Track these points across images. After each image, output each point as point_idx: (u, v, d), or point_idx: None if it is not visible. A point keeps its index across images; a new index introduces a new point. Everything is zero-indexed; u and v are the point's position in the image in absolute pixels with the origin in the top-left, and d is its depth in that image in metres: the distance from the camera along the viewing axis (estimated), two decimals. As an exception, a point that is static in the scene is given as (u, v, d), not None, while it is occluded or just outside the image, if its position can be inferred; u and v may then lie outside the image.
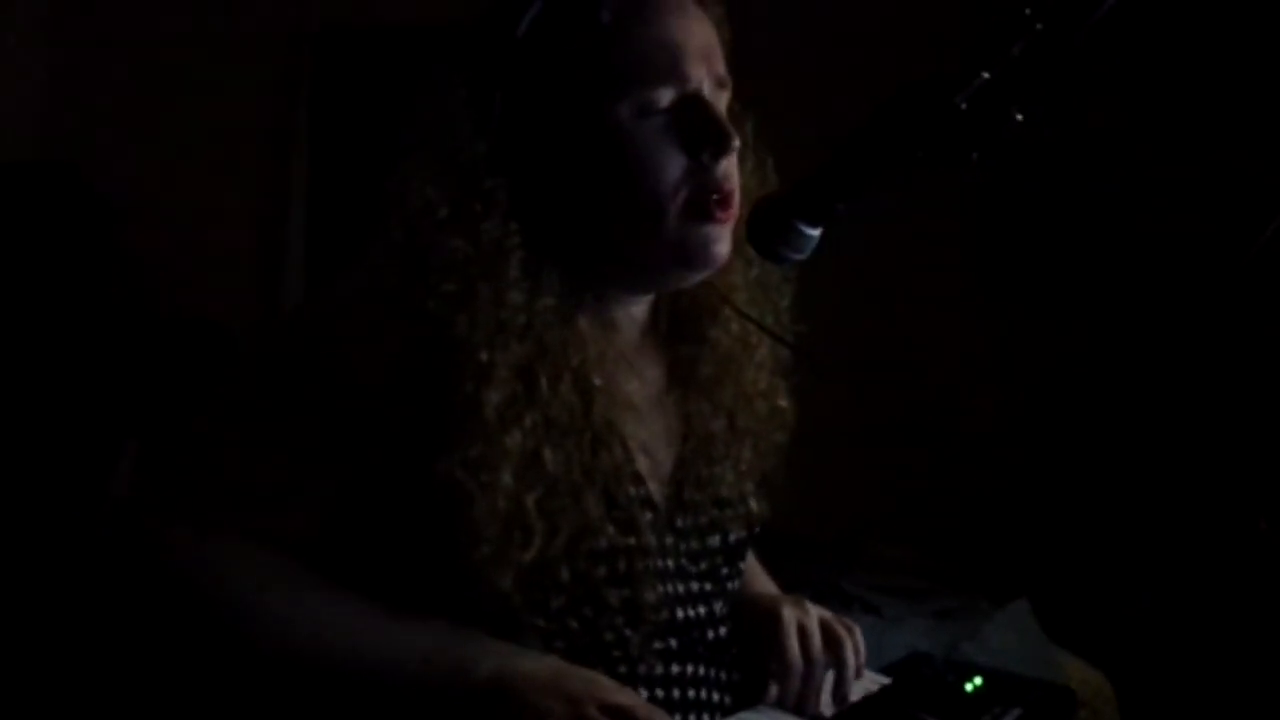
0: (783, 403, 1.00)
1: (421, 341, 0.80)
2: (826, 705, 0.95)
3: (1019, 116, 0.62)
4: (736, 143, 0.83)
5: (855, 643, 0.97)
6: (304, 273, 2.65)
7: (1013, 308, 2.31)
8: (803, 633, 0.96)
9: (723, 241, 0.85)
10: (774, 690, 0.96)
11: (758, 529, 0.99)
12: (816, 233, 0.75)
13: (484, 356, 0.79)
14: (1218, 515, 1.95)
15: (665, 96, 0.82)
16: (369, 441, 0.80)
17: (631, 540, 0.86)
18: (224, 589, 0.79)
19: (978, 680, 1.00)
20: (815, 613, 0.98)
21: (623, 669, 0.86)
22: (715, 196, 0.83)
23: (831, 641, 0.97)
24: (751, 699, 0.95)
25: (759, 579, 1.08)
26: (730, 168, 0.85)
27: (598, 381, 0.86)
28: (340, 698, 0.79)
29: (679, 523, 0.92)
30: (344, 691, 0.79)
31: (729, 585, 0.97)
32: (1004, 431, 2.35)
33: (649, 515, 0.89)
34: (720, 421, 0.96)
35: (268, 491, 0.81)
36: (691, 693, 0.90)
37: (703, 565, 0.94)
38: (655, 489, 0.91)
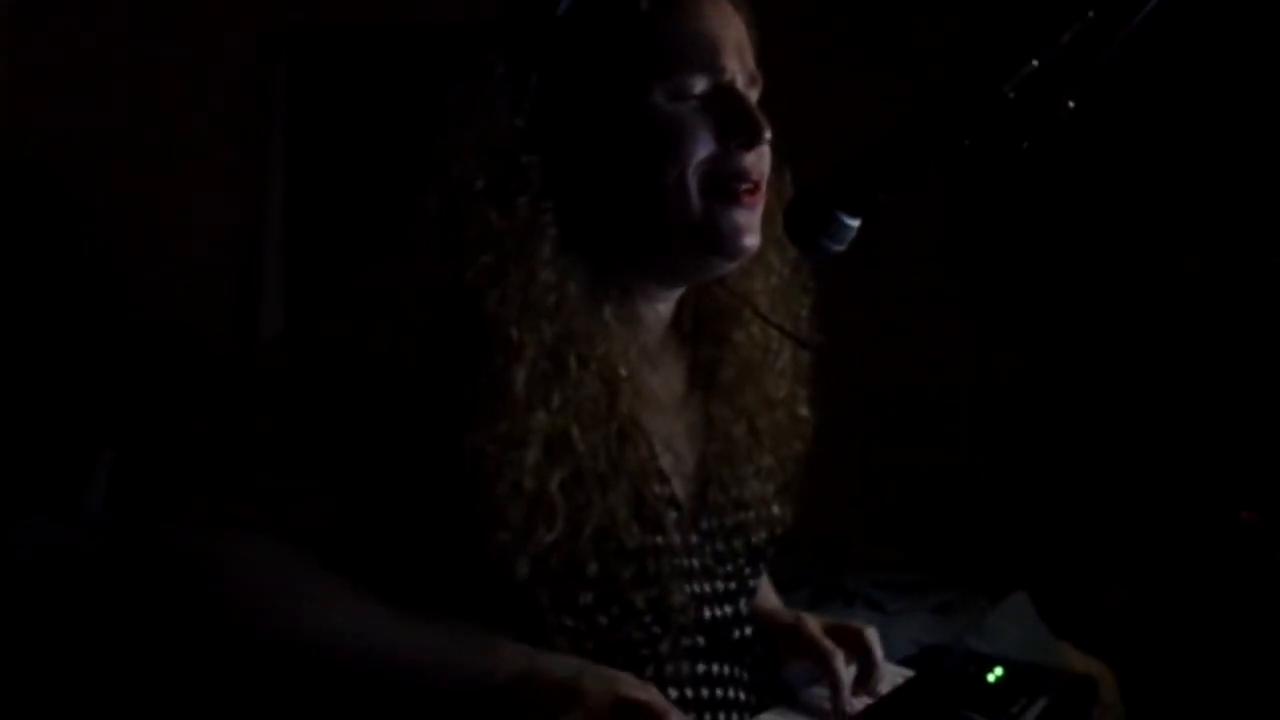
0: (803, 411, 1.01)
1: (454, 318, 0.79)
2: (850, 702, 0.95)
3: (1071, 104, 0.62)
4: (768, 134, 0.84)
5: (875, 635, 0.98)
6: (281, 276, 2.60)
7: (998, 305, 2.34)
8: (828, 632, 0.98)
9: (752, 232, 0.86)
10: (809, 692, 0.95)
11: (779, 532, 0.99)
12: (856, 223, 0.75)
13: (514, 334, 0.79)
14: (1202, 508, 1.98)
15: (700, 84, 0.84)
16: (399, 425, 0.79)
17: (659, 539, 0.85)
18: (243, 585, 0.77)
19: (999, 671, 1.01)
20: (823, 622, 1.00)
21: (650, 669, 0.85)
22: (744, 185, 0.84)
23: (851, 636, 0.97)
24: (772, 703, 0.95)
25: (769, 596, 1.09)
26: (759, 158, 0.85)
27: (623, 372, 0.86)
28: (358, 698, 0.77)
29: (703, 524, 0.92)
30: (362, 692, 0.77)
31: (751, 585, 0.97)
32: (989, 430, 2.38)
33: (674, 514, 0.88)
34: (741, 426, 0.96)
35: (288, 486, 0.79)
36: (719, 692, 0.90)
37: (728, 567, 0.94)
38: (680, 487, 0.91)
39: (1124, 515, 2.11)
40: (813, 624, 1.00)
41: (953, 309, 2.40)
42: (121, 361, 2.46)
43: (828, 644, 0.95)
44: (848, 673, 0.94)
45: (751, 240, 0.86)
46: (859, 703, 0.93)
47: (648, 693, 0.78)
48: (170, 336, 2.52)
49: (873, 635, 0.97)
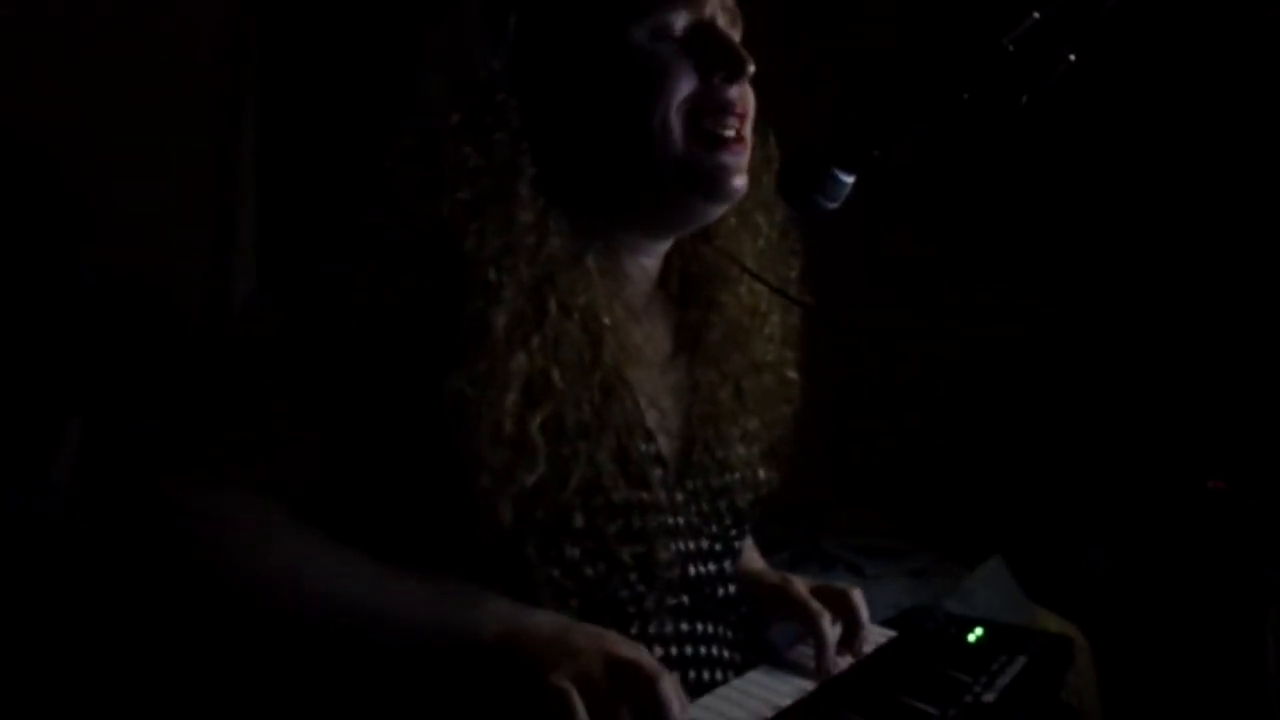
0: (791, 374, 1.01)
1: (435, 259, 0.78)
2: (835, 661, 0.95)
3: (1070, 58, 0.61)
4: (751, 67, 0.84)
5: (860, 597, 0.98)
6: (255, 240, 2.55)
7: (979, 275, 2.36)
8: (814, 593, 0.98)
9: (739, 173, 0.85)
10: (794, 650, 0.96)
11: (764, 495, 0.99)
12: (851, 180, 0.74)
13: (492, 275, 0.78)
14: (1170, 476, 2.02)
15: (680, 21, 0.83)
16: (386, 369, 0.78)
17: (644, 495, 0.85)
18: (232, 543, 0.75)
19: (979, 631, 1.02)
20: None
21: (635, 627, 0.85)
22: (729, 122, 0.83)
23: (836, 598, 0.98)
24: (757, 661, 0.95)
25: (755, 558, 1.09)
26: (744, 93, 0.85)
27: (607, 321, 0.85)
28: (343, 655, 0.76)
29: (689, 483, 0.92)
30: (348, 648, 0.76)
31: (736, 545, 0.98)
32: (967, 397, 2.40)
33: (659, 472, 0.88)
34: (727, 389, 0.96)
35: (276, 440, 0.77)
36: (703, 649, 0.90)
37: (712, 527, 0.94)
38: (665, 444, 0.90)
39: (1097, 483, 2.14)
40: (799, 585, 1.00)
41: (934, 278, 2.41)
42: (90, 328, 2.40)
43: (815, 605, 0.95)
44: (833, 633, 0.95)
45: (739, 181, 0.85)
46: (843, 662, 0.94)
47: (636, 651, 0.77)
48: (141, 303, 2.46)
49: (858, 596, 0.97)
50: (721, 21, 0.86)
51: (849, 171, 0.73)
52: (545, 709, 0.69)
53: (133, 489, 0.76)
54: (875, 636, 0.99)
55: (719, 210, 0.88)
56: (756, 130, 0.89)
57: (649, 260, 0.93)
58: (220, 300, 2.52)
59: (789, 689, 0.86)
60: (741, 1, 0.88)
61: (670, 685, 0.71)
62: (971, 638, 1.01)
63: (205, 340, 0.84)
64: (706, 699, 0.83)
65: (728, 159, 0.84)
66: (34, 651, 1.49)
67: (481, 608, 0.77)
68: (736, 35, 0.87)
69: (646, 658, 0.76)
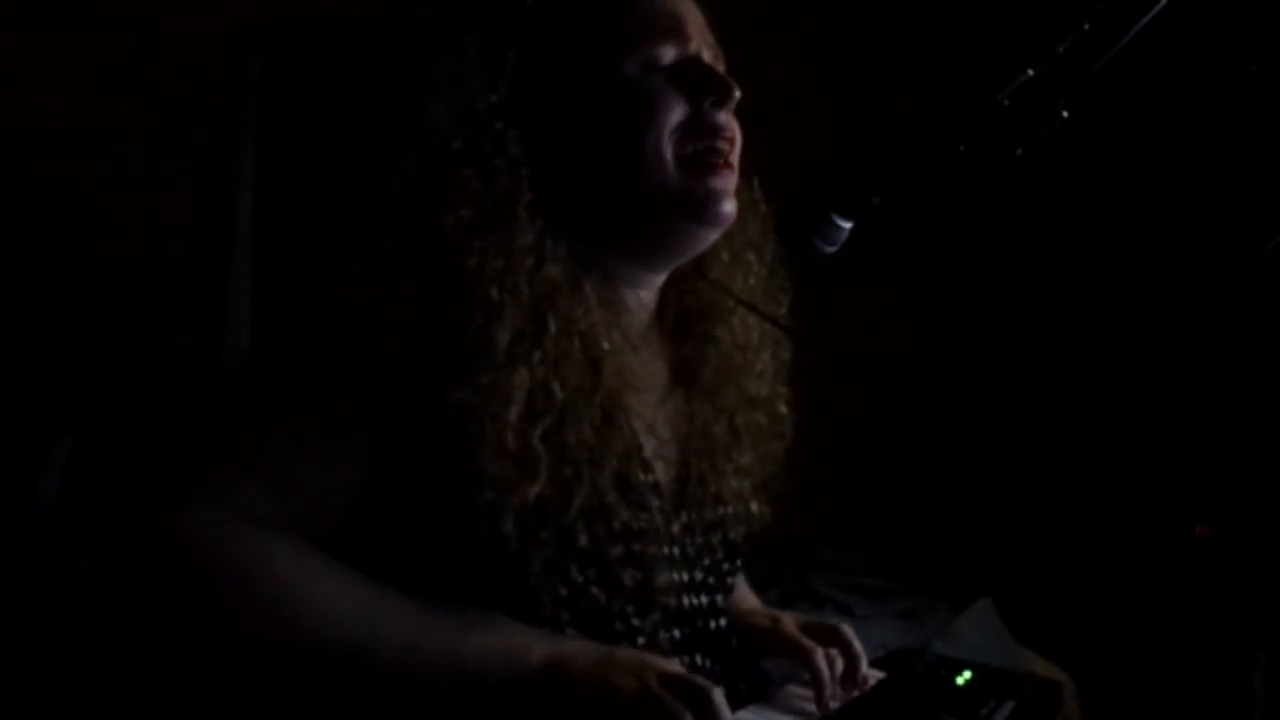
0: (783, 410, 1.02)
1: (440, 277, 0.80)
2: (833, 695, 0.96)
3: (1065, 114, 0.63)
4: (737, 92, 0.87)
5: (851, 632, 0.99)
6: (251, 265, 2.56)
7: (966, 314, 2.38)
8: (805, 630, 0.99)
9: (729, 198, 0.88)
10: (782, 691, 0.96)
11: (756, 530, 1.00)
12: (849, 225, 0.75)
13: (494, 293, 0.80)
14: (1158, 521, 2.03)
15: (668, 54, 0.88)
16: (400, 392, 0.79)
17: (643, 522, 0.86)
18: (261, 584, 0.74)
19: (967, 674, 1.02)
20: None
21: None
22: (719, 145, 0.87)
23: (828, 634, 0.99)
24: (748, 696, 0.95)
25: (748, 597, 1.10)
26: (731, 120, 0.89)
27: (606, 346, 0.87)
28: (380, 692, 0.76)
29: (684, 515, 0.93)
30: (385, 686, 0.76)
31: (729, 579, 0.98)
32: (956, 439, 2.41)
33: (656, 501, 0.89)
34: (722, 424, 0.98)
35: (296, 475, 0.78)
36: None
37: (706, 560, 0.95)
38: (662, 474, 0.91)
39: (1086, 528, 2.15)
40: (791, 623, 1.01)
41: (921, 318, 2.43)
42: (80, 346, 2.40)
43: (807, 642, 0.96)
44: (827, 669, 0.95)
45: (729, 206, 0.88)
46: (834, 702, 0.94)
47: (679, 668, 0.79)
48: (132, 321, 2.46)
49: (849, 631, 0.98)
50: (706, 56, 0.90)
51: (846, 217, 0.75)
52: (643, 713, 0.72)
53: (155, 531, 0.75)
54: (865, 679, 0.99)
55: (710, 235, 0.91)
56: (743, 174, 0.91)
57: (645, 292, 0.95)
58: (211, 319, 2.52)
59: (778, 730, 0.87)
60: (723, 41, 0.93)
61: (721, 698, 0.74)
62: (960, 680, 1.01)
63: (221, 380, 0.84)
64: None
65: (717, 183, 0.87)
66: (20, 666, 1.48)
67: (519, 635, 0.79)
68: (720, 69, 0.91)
69: (692, 674, 0.78)
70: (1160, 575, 1.94)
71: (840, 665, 0.95)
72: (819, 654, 0.94)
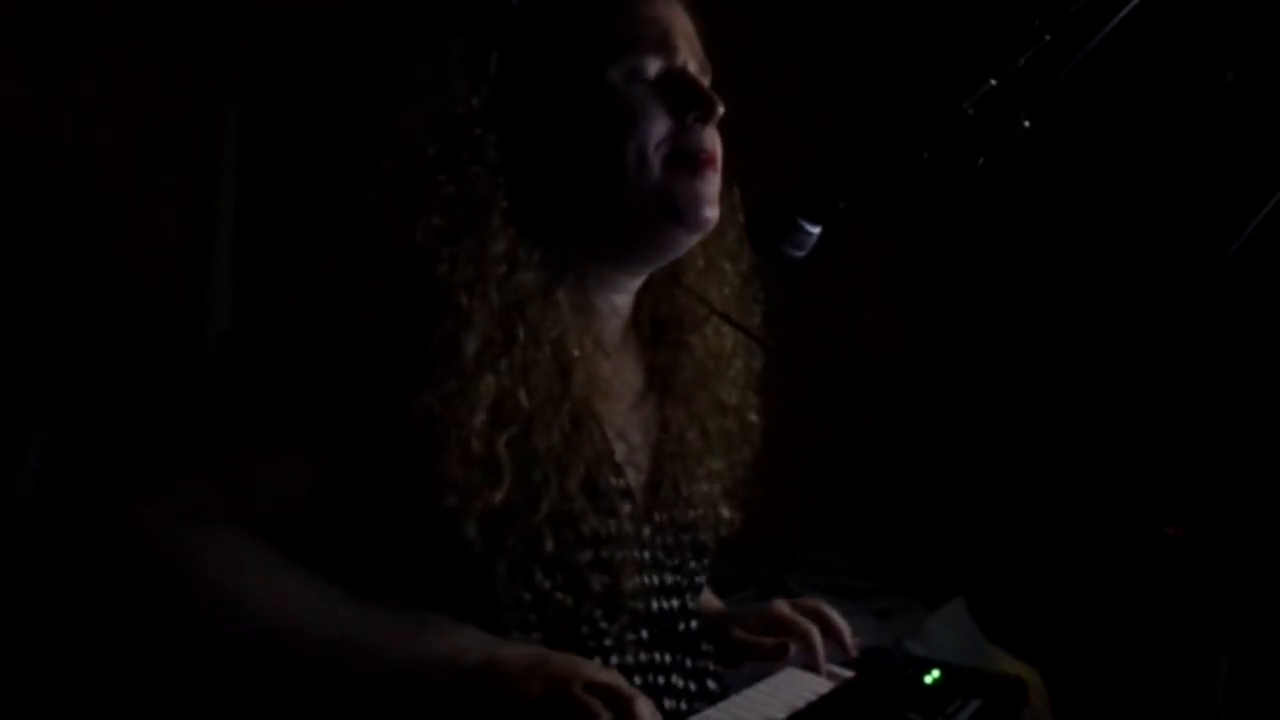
0: (752, 418, 1.04)
1: (409, 283, 0.80)
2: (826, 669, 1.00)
3: (1027, 124, 0.65)
4: (721, 109, 0.87)
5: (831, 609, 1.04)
6: (232, 260, 2.55)
7: (939, 317, 2.39)
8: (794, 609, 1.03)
9: (711, 203, 0.88)
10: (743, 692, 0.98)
11: (725, 534, 1.02)
12: (818, 230, 0.77)
13: (463, 300, 0.80)
14: (1128, 522, 2.05)
15: (654, 65, 0.87)
16: (365, 396, 0.80)
17: (612, 527, 0.87)
18: (212, 579, 0.77)
19: (935, 673, 1.04)
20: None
21: (597, 660, 0.86)
22: (700, 156, 0.87)
23: (810, 611, 1.02)
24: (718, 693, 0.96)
25: (710, 598, 1.11)
26: (713, 135, 0.88)
27: (576, 353, 0.87)
28: (326, 686, 0.77)
29: (655, 518, 0.94)
30: (330, 679, 0.77)
31: (698, 580, 1.00)
32: (930, 440, 2.43)
33: (627, 506, 0.90)
34: (694, 429, 0.99)
35: (256, 475, 0.79)
36: (661, 679, 0.92)
37: (675, 561, 0.96)
38: (633, 478, 0.92)
39: (1058, 528, 2.18)
40: (785, 606, 1.03)
41: (894, 319, 2.45)
42: (57, 340, 2.38)
43: (805, 623, 1.00)
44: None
45: (711, 211, 0.88)
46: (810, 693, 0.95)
47: (611, 675, 0.80)
48: (109, 315, 2.44)
49: (829, 609, 1.02)
50: (692, 69, 0.89)
51: (815, 222, 0.76)
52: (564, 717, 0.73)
53: (115, 525, 0.78)
54: (834, 676, 1.01)
55: (690, 240, 0.91)
56: (724, 179, 0.92)
57: (620, 296, 0.96)
58: (192, 314, 2.51)
59: (747, 727, 0.87)
60: (710, 54, 0.92)
61: (646, 707, 0.75)
62: (929, 679, 1.02)
63: (186, 376, 0.85)
64: None
65: (702, 185, 0.87)
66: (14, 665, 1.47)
67: (460, 636, 0.80)
68: (706, 83, 0.91)
69: (622, 682, 0.79)
70: (1132, 575, 1.97)
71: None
72: (816, 631, 0.99)
